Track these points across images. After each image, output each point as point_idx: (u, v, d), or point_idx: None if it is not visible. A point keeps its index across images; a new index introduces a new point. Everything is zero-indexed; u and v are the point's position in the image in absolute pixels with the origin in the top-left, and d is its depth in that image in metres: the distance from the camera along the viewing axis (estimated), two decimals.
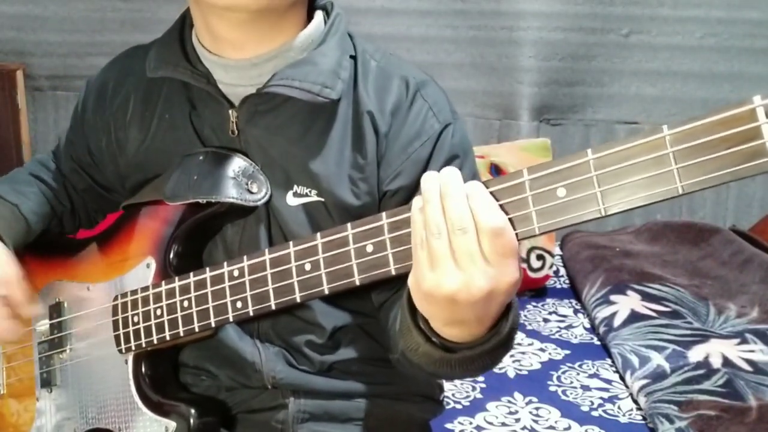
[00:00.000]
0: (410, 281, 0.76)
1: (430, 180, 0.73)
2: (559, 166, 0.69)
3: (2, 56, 2.97)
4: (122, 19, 2.90)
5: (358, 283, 0.80)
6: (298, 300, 0.86)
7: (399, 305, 0.94)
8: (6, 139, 2.85)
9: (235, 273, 0.92)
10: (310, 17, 1.04)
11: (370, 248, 0.79)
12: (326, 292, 0.83)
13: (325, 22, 1.04)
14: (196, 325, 0.96)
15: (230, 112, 1.01)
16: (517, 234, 0.71)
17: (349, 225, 0.80)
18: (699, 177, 0.62)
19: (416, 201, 0.74)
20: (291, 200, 1.00)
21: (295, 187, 1.00)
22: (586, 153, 0.67)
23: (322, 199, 0.99)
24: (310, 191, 0.99)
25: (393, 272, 0.78)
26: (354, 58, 1.04)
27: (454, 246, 0.71)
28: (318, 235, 0.83)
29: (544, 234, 0.70)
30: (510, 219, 0.71)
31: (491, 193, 0.72)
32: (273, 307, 0.89)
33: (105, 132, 1.13)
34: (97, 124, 1.14)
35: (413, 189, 0.99)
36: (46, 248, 1.20)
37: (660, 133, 0.63)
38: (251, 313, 0.91)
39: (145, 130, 1.09)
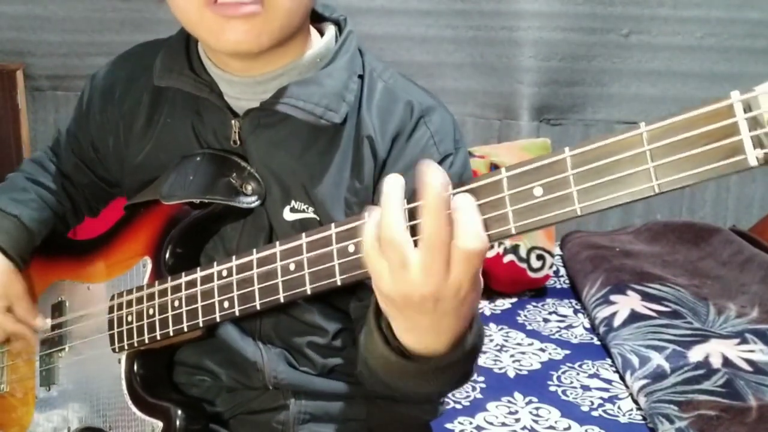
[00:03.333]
0: (373, 285, 0.75)
1: (391, 185, 0.71)
2: (536, 164, 0.67)
3: (2, 56, 2.96)
4: (122, 19, 2.90)
5: (339, 283, 0.79)
6: (282, 300, 0.86)
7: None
8: (6, 139, 2.85)
9: (224, 273, 0.92)
10: (321, 27, 1.04)
11: (351, 248, 0.78)
12: (309, 292, 0.82)
13: (337, 38, 1.03)
14: (185, 325, 0.96)
15: (233, 122, 1.01)
16: (494, 234, 0.70)
17: (332, 224, 0.80)
18: (675, 175, 0.60)
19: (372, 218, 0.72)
20: (288, 215, 0.99)
21: (293, 202, 0.99)
22: (563, 150, 0.66)
23: (318, 217, 0.99)
24: (307, 207, 0.99)
25: None
26: (362, 77, 1.02)
27: (420, 255, 0.70)
28: (303, 234, 0.83)
29: (520, 234, 0.69)
30: (487, 219, 0.70)
31: (471, 190, 0.70)
32: (258, 308, 0.88)
33: (113, 133, 1.13)
34: (104, 124, 1.14)
35: None
36: (51, 249, 1.21)
37: (637, 130, 0.62)
38: (237, 313, 0.90)
39: (150, 133, 1.09)
